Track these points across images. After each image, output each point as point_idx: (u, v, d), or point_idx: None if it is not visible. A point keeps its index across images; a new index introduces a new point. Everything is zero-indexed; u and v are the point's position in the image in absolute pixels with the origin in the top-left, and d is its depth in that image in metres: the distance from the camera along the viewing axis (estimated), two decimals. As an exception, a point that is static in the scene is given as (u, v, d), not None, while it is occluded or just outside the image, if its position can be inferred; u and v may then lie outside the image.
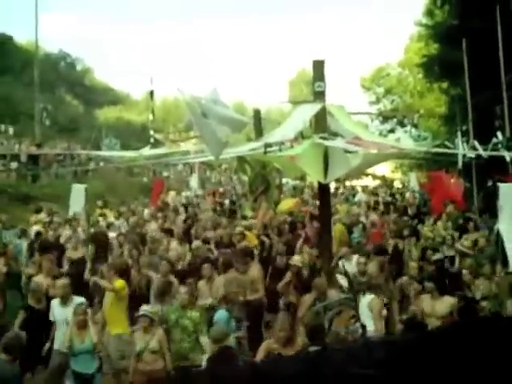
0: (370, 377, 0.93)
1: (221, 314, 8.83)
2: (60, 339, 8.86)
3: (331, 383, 0.93)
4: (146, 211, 20.54)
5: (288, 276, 10.68)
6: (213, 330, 7.75)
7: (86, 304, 8.99)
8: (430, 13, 32.85)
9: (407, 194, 26.55)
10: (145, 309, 8.50)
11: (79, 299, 9.19)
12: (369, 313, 8.70)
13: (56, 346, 8.95)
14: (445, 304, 8.92)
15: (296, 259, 10.87)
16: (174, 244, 13.54)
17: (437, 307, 8.85)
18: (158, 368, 8.08)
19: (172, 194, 26.39)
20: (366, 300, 8.96)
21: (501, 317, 4.90)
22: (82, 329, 8.20)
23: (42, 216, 17.22)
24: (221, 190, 31.41)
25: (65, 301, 9.08)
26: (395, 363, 0.99)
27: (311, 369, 1.00)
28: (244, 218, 16.93)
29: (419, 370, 0.95)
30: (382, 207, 21.93)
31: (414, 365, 0.99)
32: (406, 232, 14.97)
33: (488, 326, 1.21)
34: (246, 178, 21.00)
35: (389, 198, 26.12)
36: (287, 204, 19.10)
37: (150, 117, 29.85)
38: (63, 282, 9.49)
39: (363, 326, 8.52)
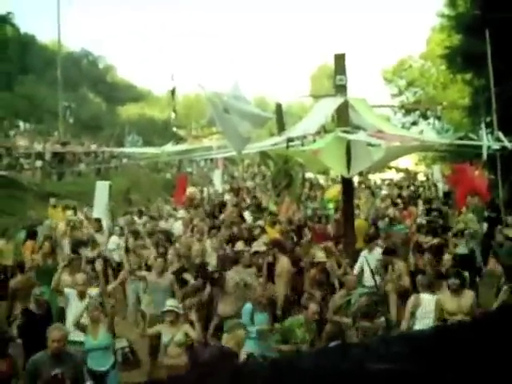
0: (387, 372, 0.93)
1: (247, 307, 8.91)
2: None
3: (349, 378, 0.93)
4: (167, 208, 20.67)
5: (313, 272, 10.66)
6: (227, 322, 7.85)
7: (98, 298, 9.00)
8: (452, 3, 32.53)
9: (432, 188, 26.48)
10: (170, 304, 8.54)
11: (94, 291, 9.27)
12: None
13: (72, 337, 8.89)
14: (467, 298, 8.76)
15: (320, 256, 10.82)
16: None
17: (462, 303, 8.65)
18: (181, 364, 8.08)
19: (194, 190, 26.33)
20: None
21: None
22: (96, 324, 8.13)
23: (69, 214, 17.32)
24: (246, 185, 31.34)
25: (82, 295, 9.13)
26: (413, 357, 0.99)
27: (330, 364, 1.01)
28: (271, 213, 17.03)
29: (437, 365, 0.95)
30: (405, 200, 21.90)
31: (432, 359, 0.99)
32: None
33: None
34: (269, 173, 21.06)
35: (412, 191, 26.04)
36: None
37: (172, 114, 30.02)
38: (83, 276, 9.55)
39: (387, 321, 8.51)
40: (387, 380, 0.94)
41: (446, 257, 11.23)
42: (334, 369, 0.98)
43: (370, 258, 11.16)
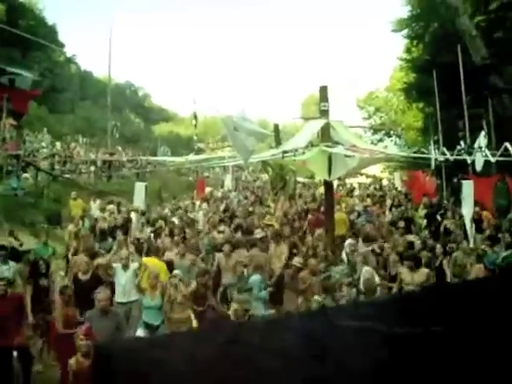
0: (354, 327, 0.95)
1: (256, 278, 8.82)
2: (120, 294, 8.80)
3: (326, 332, 0.95)
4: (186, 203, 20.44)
5: (287, 273, 9.80)
6: (240, 295, 7.72)
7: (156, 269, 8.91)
8: (408, 50, 32.82)
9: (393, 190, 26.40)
10: (176, 272, 8.53)
11: (136, 265, 9.05)
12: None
13: (117, 299, 8.77)
14: (421, 274, 8.80)
15: (296, 260, 9.82)
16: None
17: (415, 277, 8.71)
18: (184, 317, 7.95)
19: (210, 189, 26.17)
20: (365, 271, 8.91)
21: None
22: (153, 289, 8.13)
23: (111, 207, 17.16)
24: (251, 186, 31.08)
25: (125, 267, 9.09)
26: (376, 317, 1.01)
27: (312, 321, 1.03)
28: (267, 207, 16.99)
29: (395, 322, 0.97)
30: (374, 199, 21.83)
31: (391, 318, 1.01)
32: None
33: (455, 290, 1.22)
34: (268, 177, 20.99)
35: (379, 193, 25.90)
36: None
37: (194, 136, 29.94)
38: (126, 252, 9.49)
39: (358, 291, 8.51)
40: (354, 334, 0.95)
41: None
42: (316, 324, 1.00)
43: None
